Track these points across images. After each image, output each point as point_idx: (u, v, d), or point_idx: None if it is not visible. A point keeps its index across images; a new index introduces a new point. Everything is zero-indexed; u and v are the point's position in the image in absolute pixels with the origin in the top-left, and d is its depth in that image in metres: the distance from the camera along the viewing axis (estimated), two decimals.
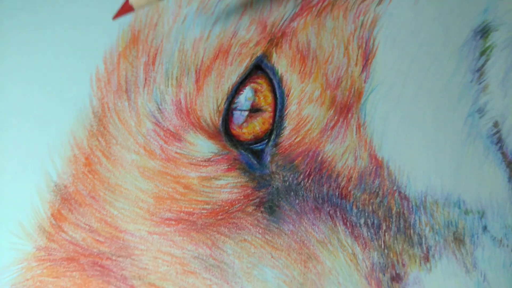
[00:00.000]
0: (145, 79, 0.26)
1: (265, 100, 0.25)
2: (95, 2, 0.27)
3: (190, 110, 0.25)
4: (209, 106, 0.25)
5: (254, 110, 0.25)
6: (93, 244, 0.25)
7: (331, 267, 0.23)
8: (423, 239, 0.23)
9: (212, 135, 0.25)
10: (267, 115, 0.25)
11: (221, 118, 0.25)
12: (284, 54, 0.25)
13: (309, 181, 0.24)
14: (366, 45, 0.25)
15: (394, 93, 0.24)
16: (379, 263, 0.23)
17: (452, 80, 0.24)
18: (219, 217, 0.24)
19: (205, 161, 0.25)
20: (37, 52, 0.27)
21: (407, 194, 0.23)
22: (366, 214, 0.23)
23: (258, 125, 0.25)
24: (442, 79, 0.24)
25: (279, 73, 0.25)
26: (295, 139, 0.25)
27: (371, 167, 0.24)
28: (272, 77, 0.25)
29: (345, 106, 0.24)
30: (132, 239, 0.24)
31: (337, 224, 0.23)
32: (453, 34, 0.24)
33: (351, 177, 0.24)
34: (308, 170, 0.24)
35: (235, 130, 0.25)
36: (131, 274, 0.24)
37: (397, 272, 0.22)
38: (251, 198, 0.24)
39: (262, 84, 0.25)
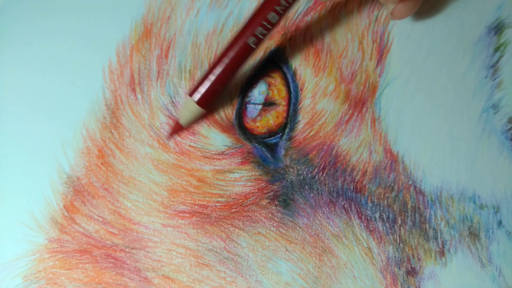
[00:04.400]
0: (158, 72, 0.26)
1: (279, 94, 0.25)
2: None
3: None
4: (222, 100, 0.25)
5: (268, 103, 0.25)
6: (107, 236, 0.25)
7: (346, 260, 0.23)
8: (439, 234, 0.23)
9: (225, 128, 0.25)
10: (281, 108, 0.25)
11: (234, 112, 0.25)
12: (298, 48, 0.25)
13: (324, 175, 0.24)
14: (380, 39, 0.25)
15: (409, 88, 0.24)
16: (395, 257, 0.23)
17: (466, 76, 0.24)
18: (233, 210, 0.24)
19: (218, 154, 0.25)
20: (50, 44, 0.27)
21: (423, 188, 0.23)
22: (381, 208, 0.23)
23: (272, 118, 0.25)
24: (457, 74, 0.24)
25: (293, 67, 0.25)
26: (309, 133, 0.25)
27: (386, 162, 0.24)
28: (285, 71, 0.25)
29: (360, 100, 0.24)
30: (146, 231, 0.24)
31: (352, 218, 0.23)
32: (467, 30, 0.24)
33: (366, 171, 0.24)
34: (323, 164, 0.24)
35: (249, 123, 0.25)
36: (144, 266, 0.24)
37: (413, 266, 0.22)
38: (265, 192, 0.24)
39: (275, 78, 0.25)
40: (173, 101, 0.26)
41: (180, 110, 0.25)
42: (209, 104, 0.24)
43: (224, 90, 0.24)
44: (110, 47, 0.26)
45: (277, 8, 0.22)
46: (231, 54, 0.23)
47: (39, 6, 0.28)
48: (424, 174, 0.23)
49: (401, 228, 0.23)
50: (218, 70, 0.23)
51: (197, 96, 0.24)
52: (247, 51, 0.23)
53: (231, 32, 0.26)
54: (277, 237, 0.24)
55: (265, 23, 0.22)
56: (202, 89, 0.24)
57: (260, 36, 0.23)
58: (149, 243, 0.24)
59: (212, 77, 0.23)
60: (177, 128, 0.25)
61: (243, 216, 0.24)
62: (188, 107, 0.24)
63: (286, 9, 0.22)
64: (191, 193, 0.25)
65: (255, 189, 0.24)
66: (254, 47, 0.23)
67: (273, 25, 0.23)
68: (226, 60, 0.23)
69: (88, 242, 0.25)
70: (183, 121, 0.25)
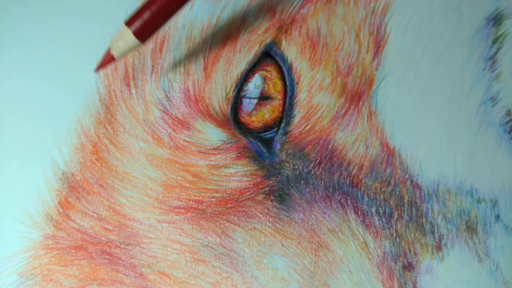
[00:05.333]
0: (152, 66, 0.26)
1: (275, 87, 0.25)
2: None
3: (198, 97, 0.25)
4: (217, 94, 0.25)
5: (264, 98, 0.25)
6: (102, 232, 0.25)
7: (342, 255, 0.23)
8: (436, 228, 0.22)
9: (221, 123, 0.25)
10: (277, 103, 0.25)
11: (230, 106, 0.25)
12: (293, 41, 0.25)
13: (320, 170, 0.24)
14: (377, 32, 0.24)
15: (406, 81, 0.24)
16: (391, 251, 0.23)
17: (464, 68, 0.24)
18: (228, 206, 0.24)
19: (214, 149, 0.25)
20: (43, 40, 0.27)
21: (419, 182, 0.23)
22: (378, 202, 0.23)
23: (268, 113, 0.25)
24: (455, 66, 0.24)
25: (289, 60, 0.25)
26: (305, 127, 0.24)
27: (382, 156, 0.24)
28: (281, 64, 0.25)
29: (356, 94, 0.24)
30: (141, 227, 0.24)
31: (348, 212, 0.23)
32: (465, 21, 0.24)
33: (362, 166, 0.24)
34: (319, 159, 0.24)
35: (244, 118, 0.25)
36: (140, 262, 0.24)
37: (409, 260, 0.22)
38: (260, 187, 0.24)
39: (271, 72, 0.25)
40: (167, 96, 0.25)
41: (114, 40, 0.23)
42: (146, 37, 0.22)
43: (165, 25, 0.22)
44: (104, 42, 0.26)
45: None
46: None
47: (33, 2, 0.27)
48: (421, 168, 0.23)
49: (398, 222, 0.23)
50: (160, 1, 0.21)
51: (135, 26, 0.21)
52: None
53: (226, 26, 0.25)
54: (272, 232, 0.24)
55: None
56: (141, 20, 0.21)
57: None
58: (144, 239, 0.24)
59: (153, 8, 0.21)
60: (108, 60, 0.23)
61: (239, 212, 0.24)
62: (124, 37, 0.22)
63: None
64: (186, 189, 0.24)
65: (250, 184, 0.24)
66: None
67: None
68: None
69: (83, 239, 0.25)
70: (115, 52, 0.22)
